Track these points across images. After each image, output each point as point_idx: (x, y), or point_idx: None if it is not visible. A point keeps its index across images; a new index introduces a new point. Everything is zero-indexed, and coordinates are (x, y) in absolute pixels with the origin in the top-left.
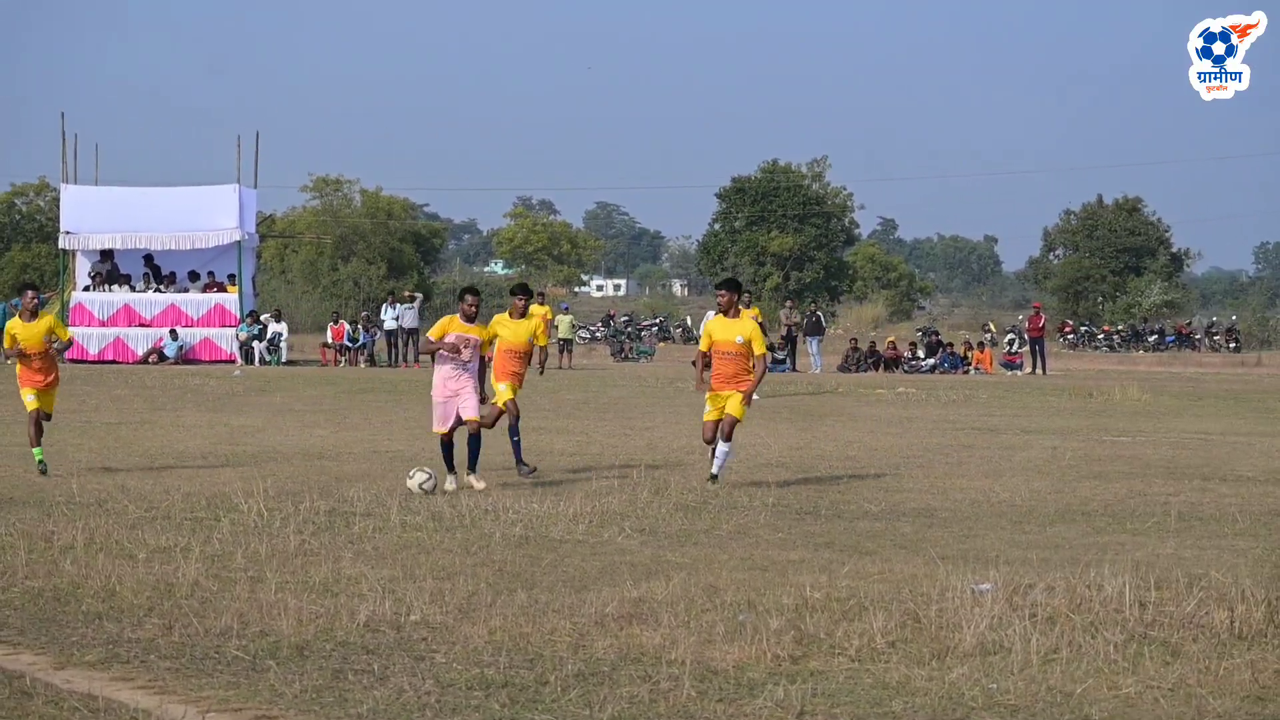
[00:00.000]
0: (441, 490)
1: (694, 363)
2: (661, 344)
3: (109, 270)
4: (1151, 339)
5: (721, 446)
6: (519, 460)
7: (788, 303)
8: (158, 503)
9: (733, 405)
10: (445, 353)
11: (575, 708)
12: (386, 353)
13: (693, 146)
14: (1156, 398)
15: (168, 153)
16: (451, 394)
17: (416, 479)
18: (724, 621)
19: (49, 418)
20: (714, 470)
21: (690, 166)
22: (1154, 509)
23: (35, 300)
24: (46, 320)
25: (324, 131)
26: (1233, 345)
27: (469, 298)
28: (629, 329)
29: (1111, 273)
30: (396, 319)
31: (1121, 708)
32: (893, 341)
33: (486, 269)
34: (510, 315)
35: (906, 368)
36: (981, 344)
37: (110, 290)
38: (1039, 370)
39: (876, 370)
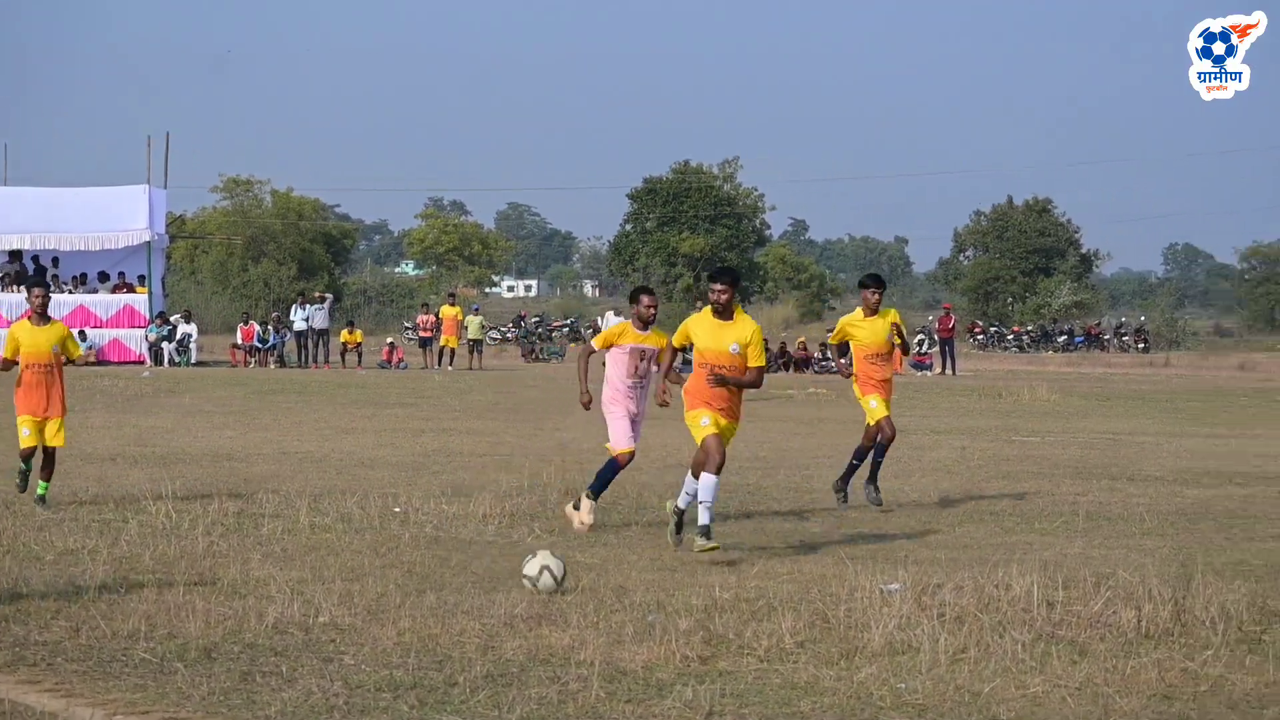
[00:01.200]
0: (582, 525)
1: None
2: (572, 345)
3: (17, 271)
4: (1061, 339)
5: (711, 481)
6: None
7: (698, 304)
8: (65, 504)
9: (727, 433)
10: (625, 373)
11: (484, 709)
12: (296, 354)
13: (604, 147)
14: (1065, 398)
15: (77, 154)
16: (635, 414)
17: (542, 574)
18: (633, 622)
19: (51, 454)
20: (706, 522)
21: (602, 167)
22: (1062, 509)
23: (44, 299)
24: (59, 328)
25: (235, 132)
26: (1141, 346)
27: (645, 299)
28: (540, 330)
29: (1021, 273)
30: (307, 320)
31: (1029, 707)
32: (803, 342)
33: (397, 270)
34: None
35: (817, 368)
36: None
37: (19, 291)
38: (948, 371)
39: (787, 371)
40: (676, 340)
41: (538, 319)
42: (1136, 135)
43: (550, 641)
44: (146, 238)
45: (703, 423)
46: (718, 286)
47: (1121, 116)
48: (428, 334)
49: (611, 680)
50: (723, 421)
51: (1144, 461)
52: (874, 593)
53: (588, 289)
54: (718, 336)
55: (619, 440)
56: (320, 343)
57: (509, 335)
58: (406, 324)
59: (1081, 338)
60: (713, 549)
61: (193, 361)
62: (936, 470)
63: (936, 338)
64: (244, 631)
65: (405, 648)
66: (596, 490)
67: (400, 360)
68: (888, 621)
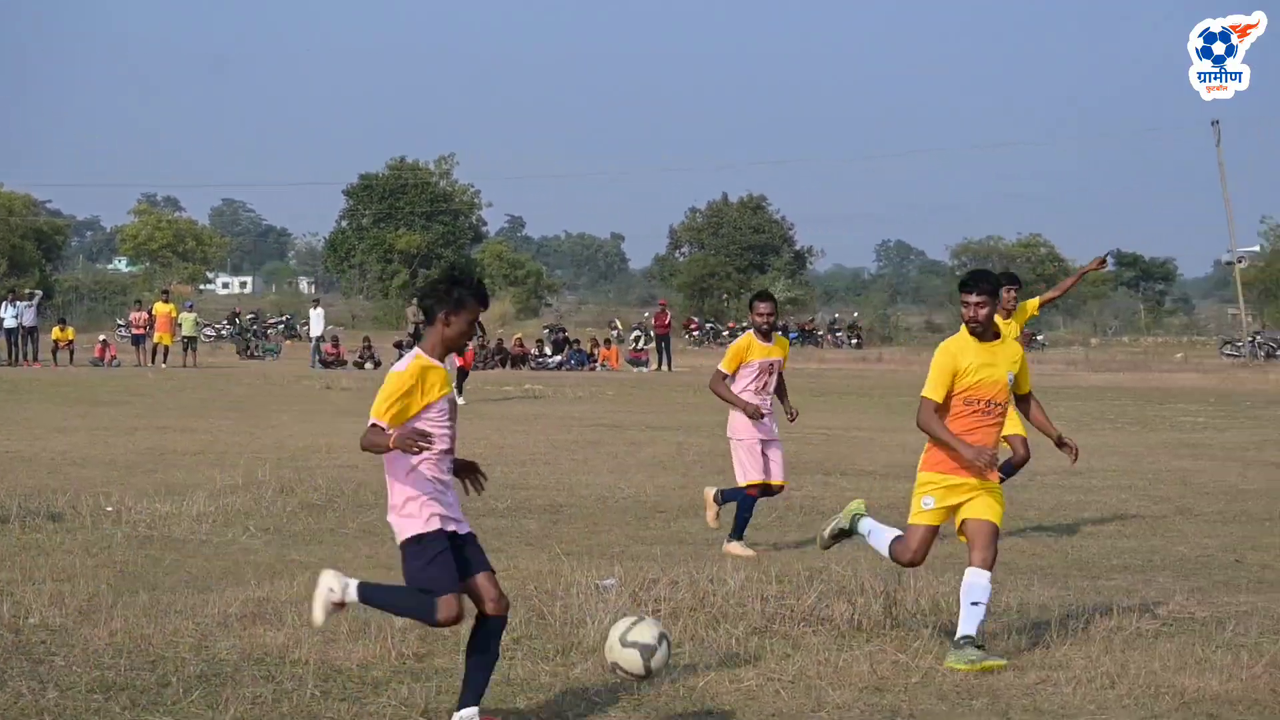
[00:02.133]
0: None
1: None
2: (288, 342)
3: None
4: None
5: (980, 579)
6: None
7: (414, 301)
8: None
9: (991, 506)
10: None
11: (197, 709)
12: (6, 351)
13: (320, 143)
14: None
15: None
16: (766, 437)
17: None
18: (348, 621)
19: None
20: (969, 631)
21: (317, 163)
22: (775, 503)
23: None
24: None
25: None
26: (855, 341)
27: (760, 305)
28: (255, 327)
29: (736, 270)
30: (17, 317)
31: (743, 700)
32: (520, 339)
33: (110, 266)
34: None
35: (534, 365)
36: (608, 341)
37: None
38: (664, 367)
39: (504, 367)
40: (940, 390)
41: (253, 316)
42: (847, 134)
43: (265, 640)
44: None
45: (925, 503)
46: (974, 298)
47: (829, 115)
48: (141, 331)
49: (326, 679)
50: (970, 481)
51: (857, 456)
52: (590, 588)
53: (303, 286)
54: (991, 364)
55: (750, 472)
56: (30, 340)
57: (224, 332)
58: (120, 321)
59: (795, 333)
60: (984, 667)
61: None
62: (652, 465)
63: (653, 334)
64: None
65: (117, 648)
66: (738, 533)
67: (113, 358)
68: (603, 617)
